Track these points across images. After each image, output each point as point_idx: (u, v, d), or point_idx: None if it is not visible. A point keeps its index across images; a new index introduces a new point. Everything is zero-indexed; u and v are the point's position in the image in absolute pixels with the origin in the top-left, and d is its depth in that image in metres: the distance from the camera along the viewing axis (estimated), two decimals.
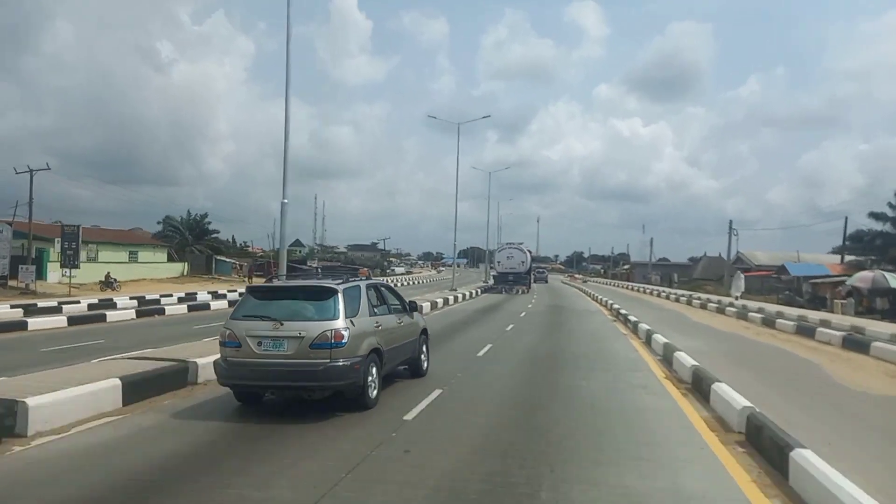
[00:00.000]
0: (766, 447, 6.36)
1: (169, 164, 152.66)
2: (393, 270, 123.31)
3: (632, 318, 20.81)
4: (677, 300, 40.36)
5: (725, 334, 20.50)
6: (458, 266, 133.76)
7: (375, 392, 8.60)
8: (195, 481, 5.59)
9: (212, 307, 28.36)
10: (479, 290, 46.23)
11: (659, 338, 14.92)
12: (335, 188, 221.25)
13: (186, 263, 57.65)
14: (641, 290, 57.55)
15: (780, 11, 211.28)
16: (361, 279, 9.86)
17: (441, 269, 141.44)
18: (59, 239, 36.13)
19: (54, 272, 38.54)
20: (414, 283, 73.32)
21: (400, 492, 5.36)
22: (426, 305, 24.44)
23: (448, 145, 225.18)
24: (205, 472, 5.87)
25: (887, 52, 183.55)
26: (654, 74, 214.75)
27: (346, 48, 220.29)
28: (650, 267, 75.47)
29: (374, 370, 8.56)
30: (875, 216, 42.63)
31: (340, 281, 8.81)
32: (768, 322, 23.47)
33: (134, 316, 23.17)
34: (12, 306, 22.78)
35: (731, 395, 8.11)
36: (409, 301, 11.01)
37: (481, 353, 14.40)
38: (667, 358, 12.92)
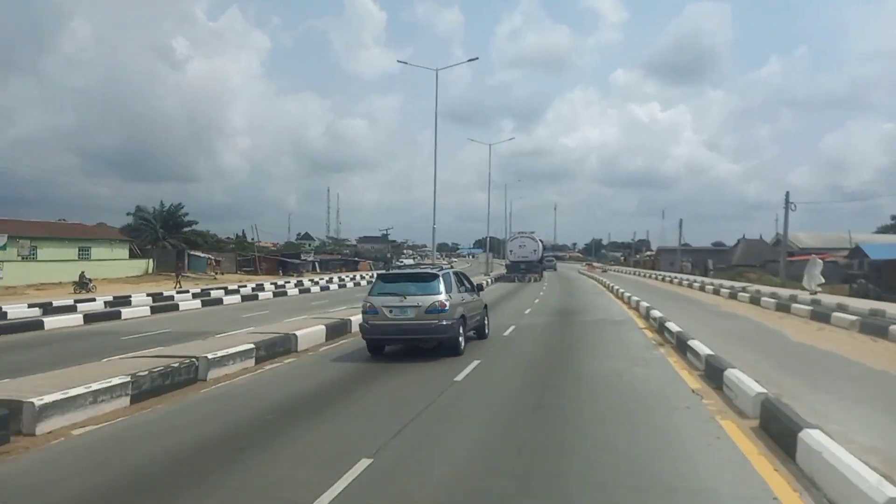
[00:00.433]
0: None
1: (186, 161, 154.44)
2: (401, 262, 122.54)
3: (701, 348, 10.58)
4: (733, 296, 31.18)
5: None
6: (473, 256, 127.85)
7: (463, 345, 12.45)
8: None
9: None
10: (489, 280, 42.49)
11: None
12: (350, 181, 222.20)
13: (151, 260, 50.81)
14: (675, 280, 47.71)
15: None
16: (450, 269, 13.94)
17: (454, 259, 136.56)
18: None
19: None
20: None
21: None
22: None
23: (461, 137, 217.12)
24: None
25: None
26: (672, 58, 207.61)
27: (360, 40, 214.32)
28: (679, 253, 67.00)
29: (461, 329, 12.41)
30: None
31: (437, 269, 13.25)
32: None
33: None
34: None
35: None
36: (477, 283, 16.66)
37: None
38: None
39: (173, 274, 49.00)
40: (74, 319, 20.05)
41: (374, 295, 12.17)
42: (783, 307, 22.84)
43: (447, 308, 11.74)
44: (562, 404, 8.17)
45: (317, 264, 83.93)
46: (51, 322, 19.15)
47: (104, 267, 43.67)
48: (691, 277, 49.60)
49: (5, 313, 21.08)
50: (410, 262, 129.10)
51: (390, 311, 11.78)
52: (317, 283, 46.60)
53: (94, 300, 26.87)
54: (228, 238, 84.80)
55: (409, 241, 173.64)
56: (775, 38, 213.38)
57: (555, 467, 5.61)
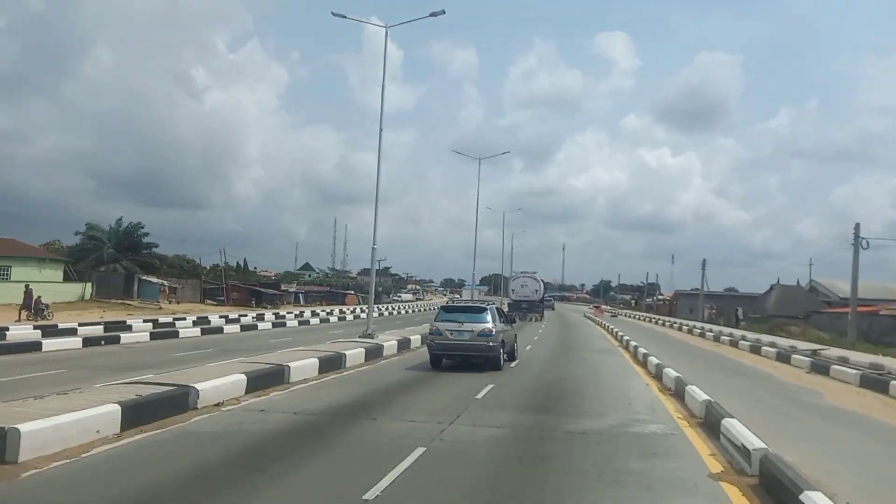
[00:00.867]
0: None
1: (199, 188, 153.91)
2: (399, 297, 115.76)
3: None
4: (784, 359, 22.72)
5: None
6: (479, 292, 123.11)
7: (503, 362, 16.22)
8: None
9: None
10: None
11: None
12: (362, 213, 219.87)
13: (89, 284, 43.77)
14: (699, 331, 40.32)
15: (811, 44, 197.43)
16: (493, 304, 17.81)
17: (456, 296, 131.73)
18: None
19: None
20: (413, 311, 66.72)
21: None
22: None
23: (472, 174, 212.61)
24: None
25: None
26: (682, 105, 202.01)
27: (377, 76, 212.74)
28: (701, 299, 59.00)
29: (502, 350, 16.16)
30: None
31: (485, 303, 17.95)
32: None
33: None
34: None
35: None
36: (511, 316, 22.24)
37: None
38: None
39: (114, 301, 42.14)
40: None
41: (438, 321, 16.03)
42: (876, 384, 15.48)
43: (494, 333, 15.57)
44: None
45: (301, 296, 77.40)
46: None
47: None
48: (716, 328, 41.91)
49: None
50: (410, 297, 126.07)
51: (451, 333, 15.60)
52: (282, 316, 39.64)
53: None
54: (216, 265, 77.72)
55: (413, 275, 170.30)
56: (786, 89, 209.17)
57: None
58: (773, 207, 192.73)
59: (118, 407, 7.88)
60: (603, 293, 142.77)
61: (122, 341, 21.84)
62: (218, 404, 9.90)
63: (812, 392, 15.71)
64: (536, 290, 54.10)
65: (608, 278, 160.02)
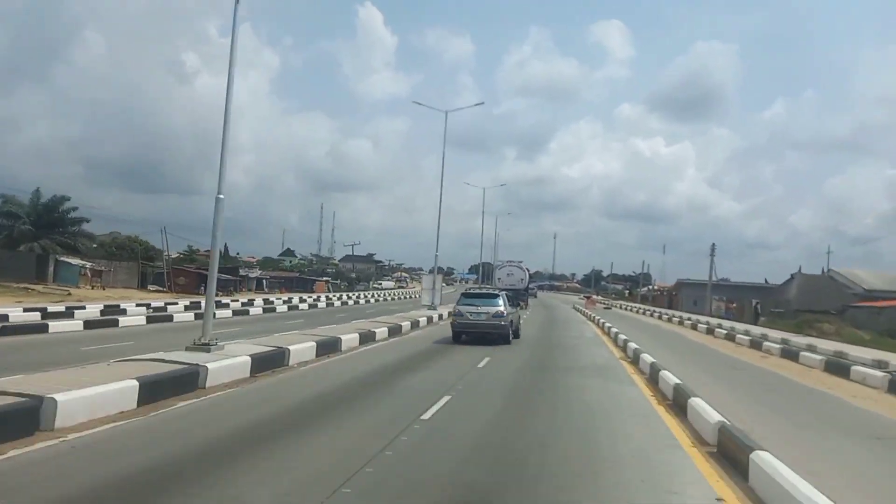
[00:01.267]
0: None
1: (192, 174, 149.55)
2: (380, 284, 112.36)
3: None
4: (834, 369, 16.60)
5: None
6: (467, 281, 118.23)
7: (511, 339, 20.20)
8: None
9: None
10: (436, 317, 32.11)
11: None
12: (352, 201, 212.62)
13: None
14: (742, 338, 27.43)
15: (808, 34, 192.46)
16: (502, 292, 22.00)
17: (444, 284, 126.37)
18: None
19: None
20: (392, 297, 66.61)
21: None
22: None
23: (466, 164, 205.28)
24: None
25: None
26: (677, 94, 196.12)
27: (371, 63, 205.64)
28: (709, 289, 52.31)
29: (510, 329, 20.16)
30: None
31: (497, 291, 22.54)
32: None
33: None
34: None
35: None
36: (517, 301, 27.53)
37: None
38: None
39: (15, 286, 35.05)
40: None
41: (460, 304, 20.12)
42: None
43: (505, 314, 19.55)
44: None
45: (264, 282, 70.83)
46: None
47: None
48: (727, 324, 35.24)
49: None
50: (391, 284, 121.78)
51: (470, 315, 19.48)
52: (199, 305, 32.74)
53: None
54: (196, 249, 70.03)
55: (400, 263, 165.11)
56: (783, 79, 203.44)
57: None
58: (767, 197, 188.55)
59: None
60: (595, 283, 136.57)
61: None
62: None
63: None
64: (522, 279, 54.79)
65: (600, 268, 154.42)
